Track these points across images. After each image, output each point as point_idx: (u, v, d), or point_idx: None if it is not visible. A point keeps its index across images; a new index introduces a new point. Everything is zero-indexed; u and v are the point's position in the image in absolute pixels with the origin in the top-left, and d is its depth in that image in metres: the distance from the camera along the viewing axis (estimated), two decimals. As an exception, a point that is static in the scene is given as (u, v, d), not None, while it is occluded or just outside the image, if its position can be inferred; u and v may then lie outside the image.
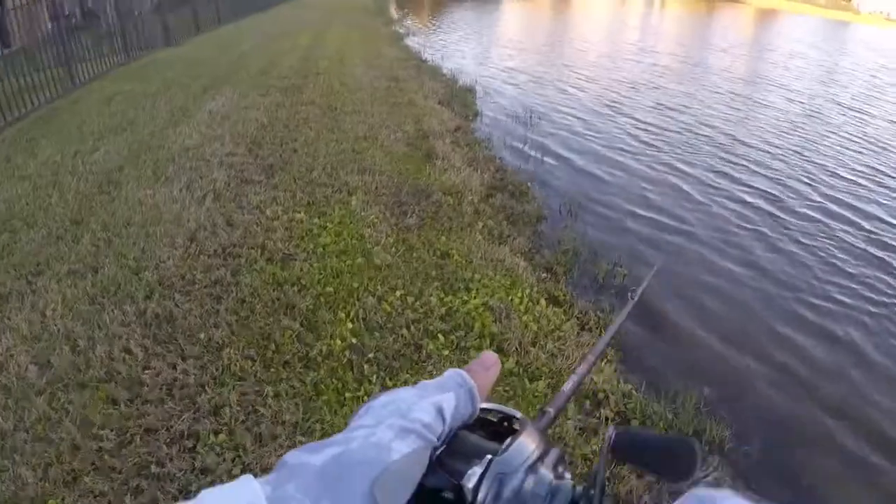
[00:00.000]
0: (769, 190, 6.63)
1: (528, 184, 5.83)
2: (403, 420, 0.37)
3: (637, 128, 8.66)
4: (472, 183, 5.49)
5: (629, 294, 0.96)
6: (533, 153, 7.18)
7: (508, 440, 0.40)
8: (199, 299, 3.40)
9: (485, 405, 0.43)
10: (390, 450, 0.34)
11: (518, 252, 4.43)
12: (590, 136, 8.13)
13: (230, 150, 5.80)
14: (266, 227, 4.25)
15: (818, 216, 6.01)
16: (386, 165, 5.73)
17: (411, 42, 16.53)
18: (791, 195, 6.52)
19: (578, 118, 9.02)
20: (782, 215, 5.92)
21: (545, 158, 7.06)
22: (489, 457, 0.38)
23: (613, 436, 0.42)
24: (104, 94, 8.67)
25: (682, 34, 24.77)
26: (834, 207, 6.31)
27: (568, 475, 0.41)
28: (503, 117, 8.86)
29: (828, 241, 5.43)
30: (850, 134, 9.65)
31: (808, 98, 12.34)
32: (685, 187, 6.50)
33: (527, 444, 0.40)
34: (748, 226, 5.62)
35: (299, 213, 4.49)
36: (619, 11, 36.14)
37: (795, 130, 9.50)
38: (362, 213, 4.53)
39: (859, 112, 11.61)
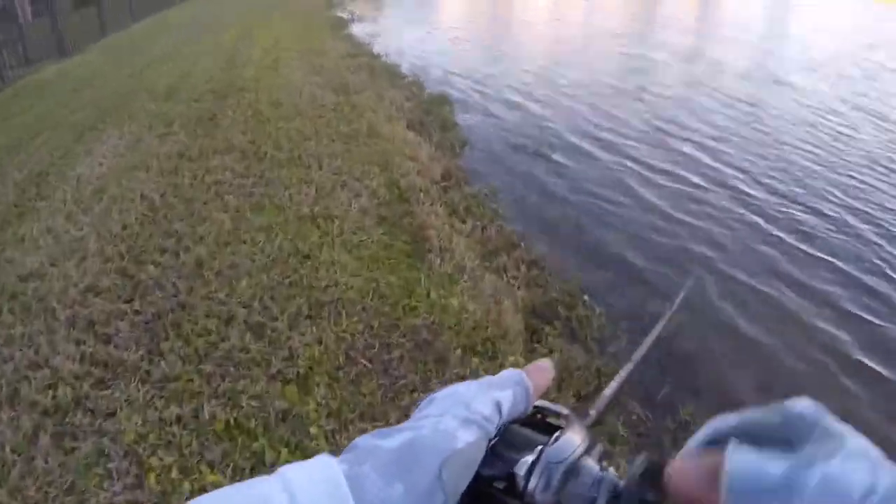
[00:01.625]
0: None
1: (584, 299, 3.68)
2: (466, 411, 0.38)
3: (683, 183, 5.89)
4: (504, 315, 3.33)
5: (667, 305, 1.30)
6: (561, 229, 4.89)
7: (558, 433, 0.41)
8: None
9: (537, 403, 0.45)
10: (455, 437, 0.36)
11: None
12: (619, 203, 5.45)
13: (91, 279, 3.47)
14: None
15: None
16: (354, 282, 3.53)
17: (357, 30, 14.01)
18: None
19: (590, 157, 6.48)
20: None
21: (579, 246, 4.65)
22: (540, 447, 0.40)
23: (643, 466, 0.39)
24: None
25: (635, 11, 22.46)
26: None
27: (611, 469, 0.42)
28: (499, 150, 6.55)
29: None
30: None
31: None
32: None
33: (574, 437, 0.41)
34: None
35: (213, 471, 2.28)
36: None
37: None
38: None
39: None
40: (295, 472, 0.31)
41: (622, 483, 0.39)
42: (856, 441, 0.26)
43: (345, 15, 16.23)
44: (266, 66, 9.46)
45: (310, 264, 3.73)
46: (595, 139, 7.05)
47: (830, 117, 8.40)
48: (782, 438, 0.27)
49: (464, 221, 4.62)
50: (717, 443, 0.29)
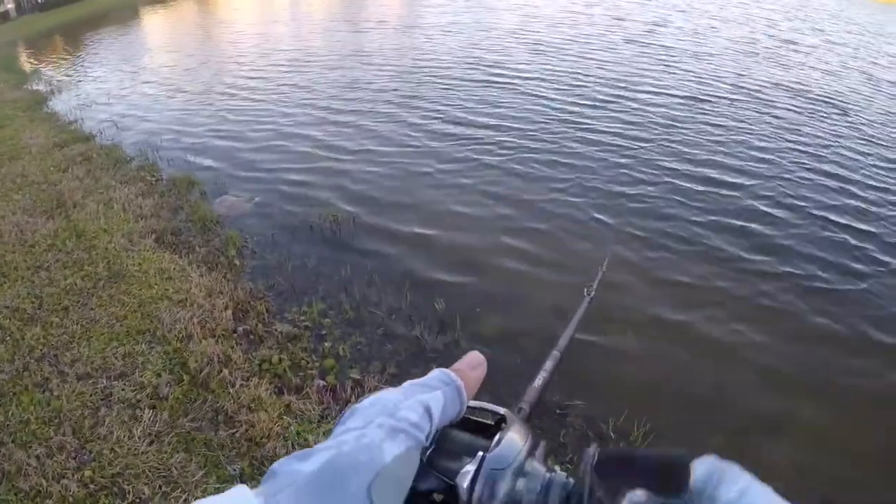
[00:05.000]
0: None
1: None
2: (391, 419, 0.34)
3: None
4: None
5: (585, 290, 0.96)
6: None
7: (498, 435, 0.38)
8: None
9: (471, 403, 0.40)
10: (382, 451, 0.32)
11: None
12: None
13: None
14: None
15: None
16: None
17: (60, 105, 11.15)
18: None
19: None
20: None
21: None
22: (481, 454, 0.36)
23: (596, 455, 0.36)
24: None
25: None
26: None
27: (558, 468, 0.38)
28: (290, 242, 4.96)
29: None
30: None
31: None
32: None
33: (516, 438, 0.38)
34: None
35: None
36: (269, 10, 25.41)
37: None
38: None
39: None
40: None
41: (572, 482, 0.36)
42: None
43: (41, 87, 13.04)
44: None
45: None
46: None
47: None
48: None
49: (301, 390, 3.21)
50: None
